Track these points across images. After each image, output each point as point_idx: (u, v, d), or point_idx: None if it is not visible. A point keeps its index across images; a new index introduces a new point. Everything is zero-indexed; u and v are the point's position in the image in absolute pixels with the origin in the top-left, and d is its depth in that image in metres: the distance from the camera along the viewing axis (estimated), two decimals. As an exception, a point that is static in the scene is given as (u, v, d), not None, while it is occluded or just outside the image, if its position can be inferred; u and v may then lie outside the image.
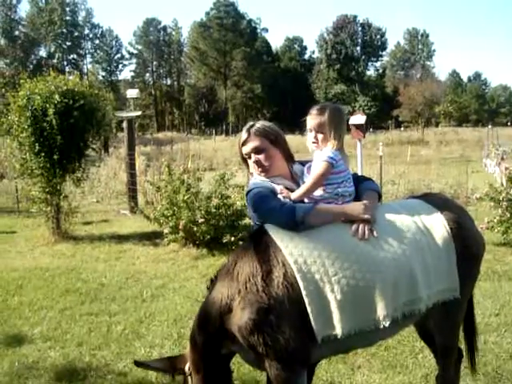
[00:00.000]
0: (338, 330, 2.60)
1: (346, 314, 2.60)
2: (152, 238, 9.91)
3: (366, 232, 2.72)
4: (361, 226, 2.74)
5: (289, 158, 3.13)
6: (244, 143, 3.04)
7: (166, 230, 8.99)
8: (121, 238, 10.14)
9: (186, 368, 3.06)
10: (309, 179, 2.90)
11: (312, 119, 2.94)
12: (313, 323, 2.60)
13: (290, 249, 2.67)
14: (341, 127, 2.95)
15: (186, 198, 8.70)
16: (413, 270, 2.71)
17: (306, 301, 2.59)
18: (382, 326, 2.63)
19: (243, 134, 3.06)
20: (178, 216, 8.76)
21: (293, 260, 2.63)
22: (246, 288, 2.69)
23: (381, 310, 2.62)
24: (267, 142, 3.03)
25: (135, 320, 5.73)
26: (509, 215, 8.23)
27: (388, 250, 2.71)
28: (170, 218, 8.89)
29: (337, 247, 2.68)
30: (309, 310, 2.59)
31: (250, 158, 3.05)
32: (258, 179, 3.06)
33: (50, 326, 5.60)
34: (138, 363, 3.20)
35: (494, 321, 5.38)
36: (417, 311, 2.73)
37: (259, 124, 3.10)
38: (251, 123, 3.11)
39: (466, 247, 2.93)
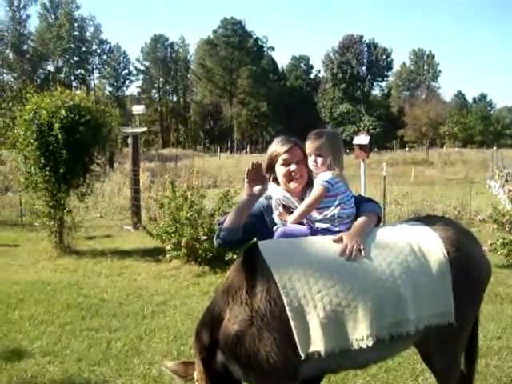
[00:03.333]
0: (321, 347, 2.63)
1: (328, 332, 2.65)
2: (154, 254, 9.90)
3: (354, 252, 2.77)
4: (349, 246, 2.80)
5: (309, 179, 3.19)
6: (288, 151, 3.11)
7: (168, 247, 8.99)
8: (123, 254, 10.13)
9: (195, 375, 3.09)
10: (303, 202, 3.02)
11: (310, 143, 3.06)
12: (296, 339, 2.65)
13: (277, 265, 2.75)
14: (339, 150, 3.09)
15: (188, 215, 8.72)
16: (401, 292, 2.73)
17: (290, 316, 2.65)
18: (365, 346, 2.65)
19: (286, 143, 3.15)
20: (181, 233, 8.77)
21: (278, 276, 2.71)
22: (233, 300, 2.80)
23: (363, 330, 2.65)
24: (303, 157, 3.14)
25: (135, 336, 5.71)
26: (512, 238, 8.22)
27: (375, 271, 2.75)
28: (172, 235, 8.89)
29: (323, 266, 2.75)
30: (292, 325, 2.65)
31: (287, 165, 3.11)
32: (261, 199, 3.13)
33: (49, 341, 5.58)
34: (163, 364, 3.29)
35: (495, 344, 5.33)
36: (405, 333, 2.74)
37: (294, 138, 3.23)
38: (288, 137, 3.24)
39: (466, 271, 2.91)
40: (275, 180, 3.17)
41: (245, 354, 2.73)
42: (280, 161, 3.11)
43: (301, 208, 3.01)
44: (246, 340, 2.71)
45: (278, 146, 3.15)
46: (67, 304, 6.92)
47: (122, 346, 5.43)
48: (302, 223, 3.06)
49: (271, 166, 3.17)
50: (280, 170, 3.12)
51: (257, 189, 2.97)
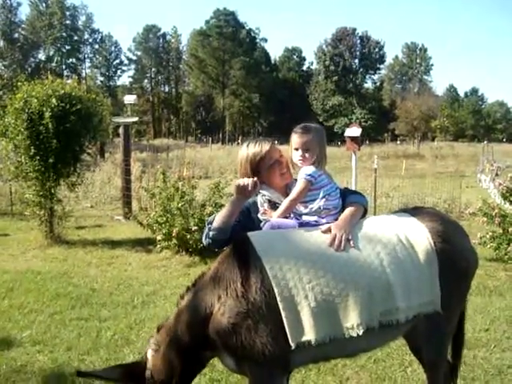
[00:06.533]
0: (312, 337, 2.65)
1: (319, 321, 2.67)
2: (145, 244, 9.89)
3: (343, 242, 2.80)
4: (337, 236, 2.82)
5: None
6: (271, 150, 3.12)
7: (159, 237, 8.98)
8: (113, 244, 10.11)
9: (148, 374, 3.04)
10: (287, 197, 3.04)
11: (298, 138, 3.08)
12: (287, 329, 2.66)
13: (268, 256, 2.76)
14: (324, 146, 3.14)
15: (179, 205, 8.71)
16: (389, 281, 2.75)
17: (281, 306, 2.67)
18: (355, 335, 2.67)
19: (264, 143, 3.15)
20: (172, 223, 8.76)
21: (269, 266, 2.72)
22: (227, 294, 2.78)
23: (354, 319, 2.68)
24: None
25: (125, 326, 5.71)
26: (501, 231, 8.26)
27: (364, 260, 2.77)
28: (163, 225, 8.89)
29: (313, 256, 2.76)
30: (283, 315, 2.67)
31: (278, 163, 3.13)
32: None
33: (39, 330, 5.57)
34: (80, 373, 3.12)
35: (483, 336, 5.38)
36: (395, 321, 2.77)
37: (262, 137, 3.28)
38: (257, 138, 3.25)
39: (452, 262, 2.94)
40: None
41: (241, 346, 2.73)
42: (269, 161, 3.10)
43: (285, 203, 3.03)
44: (242, 333, 2.71)
45: (257, 148, 3.12)
46: (57, 293, 6.91)
47: (112, 336, 5.43)
48: (288, 218, 3.07)
49: (253, 170, 3.12)
50: (273, 171, 3.12)
51: (247, 189, 2.94)
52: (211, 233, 3.01)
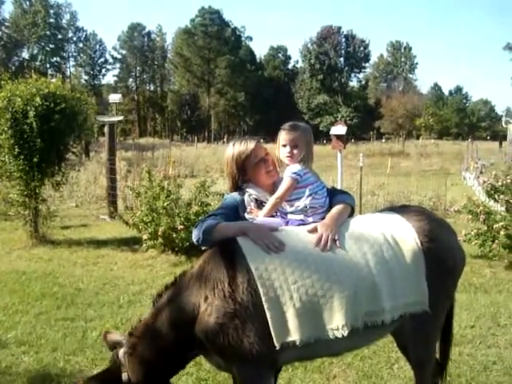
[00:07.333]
0: (296, 337, 2.66)
1: (304, 322, 2.67)
2: (130, 243, 9.83)
3: (329, 242, 2.79)
4: (323, 236, 2.81)
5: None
6: (256, 147, 3.12)
7: (144, 236, 8.94)
8: (99, 243, 10.05)
9: (125, 377, 3.02)
10: (273, 195, 3.05)
11: (286, 134, 3.10)
12: (271, 329, 2.67)
13: (254, 256, 2.75)
14: (311, 145, 3.16)
15: (165, 204, 8.68)
16: (375, 281, 2.76)
17: (266, 306, 2.67)
18: (340, 335, 2.67)
19: (249, 141, 3.15)
20: (158, 222, 8.73)
21: (254, 266, 2.72)
22: (214, 294, 2.77)
23: (339, 319, 2.68)
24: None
25: (111, 326, 5.66)
26: (486, 228, 8.31)
27: (350, 261, 2.77)
28: (149, 224, 8.85)
29: (299, 256, 2.76)
30: (268, 315, 2.67)
31: (264, 161, 3.12)
32: (234, 194, 3.18)
33: (24, 331, 5.53)
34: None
35: (469, 332, 5.42)
36: (380, 322, 2.77)
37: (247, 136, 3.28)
38: (242, 137, 3.26)
39: (439, 260, 2.95)
40: (245, 180, 3.15)
41: (228, 346, 2.72)
42: (254, 159, 3.09)
43: (271, 201, 3.03)
44: (230, 333, 2.71)
45: (242, 147, 3.12)
46: (42, 293, 6.86)
47: (98, 336, 5.38)
48: (274, 217, 3.07)
49: (239, 168, 3.12)
50: (259, 169, 3.11)
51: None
52: (207, 237, 2.90)
